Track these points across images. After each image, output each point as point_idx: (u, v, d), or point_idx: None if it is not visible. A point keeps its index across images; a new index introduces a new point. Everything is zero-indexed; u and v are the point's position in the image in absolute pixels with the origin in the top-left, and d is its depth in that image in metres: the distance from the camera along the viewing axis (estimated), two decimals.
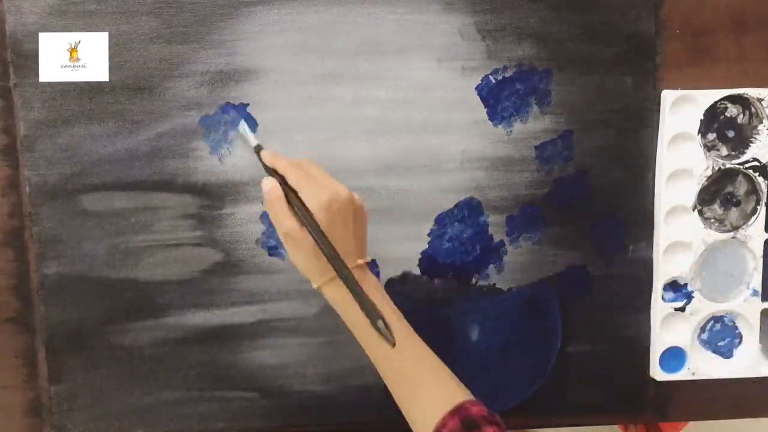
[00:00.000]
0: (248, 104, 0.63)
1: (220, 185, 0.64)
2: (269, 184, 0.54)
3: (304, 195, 0.52)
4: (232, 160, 0.64)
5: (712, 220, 0.67)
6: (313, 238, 0.51)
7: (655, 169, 0.66)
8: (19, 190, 0.63)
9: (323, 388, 0.66)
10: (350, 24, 0.63)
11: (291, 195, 0.53)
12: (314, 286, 0.54)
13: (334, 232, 0.52)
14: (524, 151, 0.65)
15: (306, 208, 0.52)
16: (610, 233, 0.67)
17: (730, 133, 0.67)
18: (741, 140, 0.67)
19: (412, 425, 0.52)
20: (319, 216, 0.51)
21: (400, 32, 0.63)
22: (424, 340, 0.55)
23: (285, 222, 0.52)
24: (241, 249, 0.64)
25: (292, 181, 0.53)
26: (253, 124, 0.63)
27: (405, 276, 0.66)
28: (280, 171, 0.55)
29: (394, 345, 0.50)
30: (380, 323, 0.50)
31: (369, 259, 0.55)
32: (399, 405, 0.53)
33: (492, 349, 0.67)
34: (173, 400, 0.66)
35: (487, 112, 0.65)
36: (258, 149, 0.58)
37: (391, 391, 0.54)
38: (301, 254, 0.53)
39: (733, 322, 0.69)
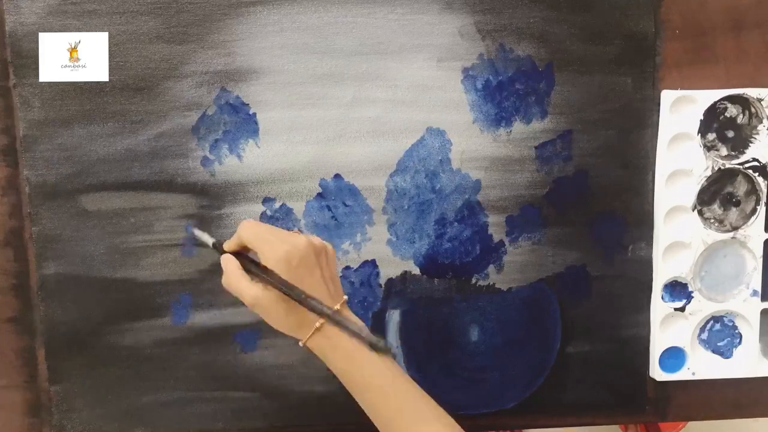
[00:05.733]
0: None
1: (219, 185, 0.64)
2: (223, 260, 0.53)
3: (261, 256, 0.51)
4: (232, 160, 0.64)
5: (712, 220, 0.67)
6: (285, 293, 0.50)
7: (654, 169, 0.66)
8: (19, 190, 0.63)
9: (323, 388, 0.66)
10: (350, 24, 0.63)
11: (251, 265, 0.52)
12: (301, 344, 0.52)
13: (302, 282, 0.50)
14: (524, 151, 0.65)
15: (269, 270, 0.50)
16: (610, 233, 0.67)
17: (730, 133, 0.67)
18: (741, 140, 0.67)
19: None
20: (283, 271, 0.50)
21: (400, 32, 0.63)
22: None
23: (247, 291, 0.51)
24: None
25: (250, 244, 0.52)
26: (254, 129, 0.63)
27: (405, 276, 0.66)
28: (237, 247, 0.53)
29: (395, 356, 0.47)
30: (377, 340, 0.47)
31: (345, 297, 0.53)
32: None
33: (492, 349, 0.67)
34: (173, 400, 0.66)
35: (486, 113, 0.65)
36: (217, 245, 0.56)
37: (383, 428, 0.52)
38: (275, 315, 0.51)
39: (733, 322, 0.69)
